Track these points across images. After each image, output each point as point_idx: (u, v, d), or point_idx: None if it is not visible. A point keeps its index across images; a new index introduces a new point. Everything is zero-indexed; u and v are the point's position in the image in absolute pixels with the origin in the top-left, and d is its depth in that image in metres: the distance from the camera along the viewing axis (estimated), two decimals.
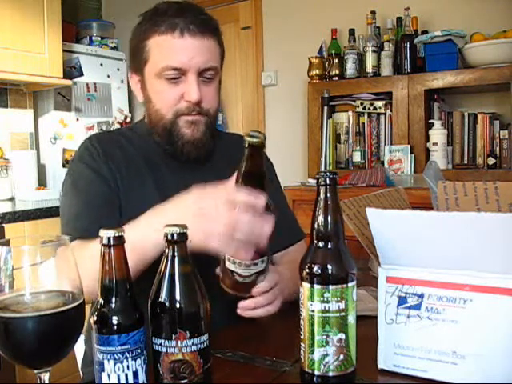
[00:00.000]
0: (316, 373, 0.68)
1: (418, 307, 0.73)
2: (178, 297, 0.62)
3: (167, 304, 0.62)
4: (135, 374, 0.62)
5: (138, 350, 0.62)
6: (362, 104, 2.77)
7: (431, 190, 1.00)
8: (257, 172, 0.79)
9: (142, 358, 0.63)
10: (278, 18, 3.23)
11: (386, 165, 2.62)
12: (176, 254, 0.63)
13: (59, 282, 0.62)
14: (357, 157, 2.78)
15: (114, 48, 3.30)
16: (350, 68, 2.75)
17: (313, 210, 0.69)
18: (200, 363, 0.63)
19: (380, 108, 2.73)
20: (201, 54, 1.06)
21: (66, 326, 0.60)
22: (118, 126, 3.18)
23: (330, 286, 0.66)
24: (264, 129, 3.33)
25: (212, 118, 1.13)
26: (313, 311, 0.67)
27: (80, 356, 1.16)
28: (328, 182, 0.68)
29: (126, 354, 0.61)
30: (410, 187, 2.12)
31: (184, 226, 0.63)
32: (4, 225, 2.08)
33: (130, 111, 3.36)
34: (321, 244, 0.69)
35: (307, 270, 0.68)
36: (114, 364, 0.61)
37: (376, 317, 0.76)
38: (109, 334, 0.60)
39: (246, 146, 0.77)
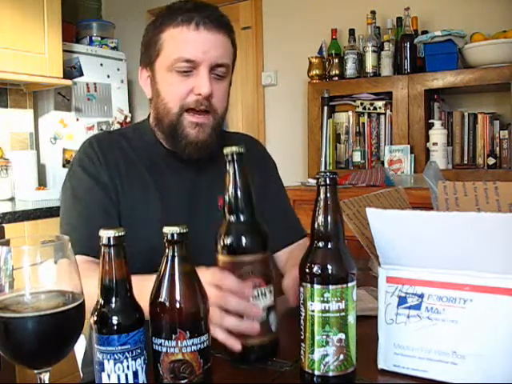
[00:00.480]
0: (316, 373, 0.68)
1: (418, 307, 0.73)
2: (178, 297, 0.62)
3: (167, 304, 0.62)
4: (135, 373, 0.62)
5: (138, 350, 0.62)
6: (361, 104, 2.77)
7: (431, 190, 1.01)
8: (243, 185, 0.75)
9: (142, 358, 0.62)
10: (278, 17, 3.23)
11: (386, 165, 2.62)
12: (176, 254, 0.63)
13: (59, 282, 0.62)
14: (357, 157, 2.78)
15: (114, 48, 3.30)
16: (350, 68, 2.75)
17: (313, 209, 0.69)
18: (200, 363, 0.63)
19: (380, 108, 2.73)
20: (215, 48, 1.05)
21: (66, 326, 0.60)
22: (118, 126, 3.18)
23: (330, 286, 0.66)
24: (264, 129, 3.33)
25: (219, 120, 1.11)
26: (313, 311, 0.67)
27: (80, 356, 1.16)
28: (328, 182, 0.68)
29: (126, 353, 0.61)
30: (410, 187, 2.12)
31: (184, 226, 0.63)
32: (4, 225, 2.08)
33: (130, 111, 3.36)
34: (321, 244, 0.69)
35: (307, 270, 0.68)
36: (114, 364, 0.61)
37: (376, 317, 0.76)
38: (109, 333, 0.60)
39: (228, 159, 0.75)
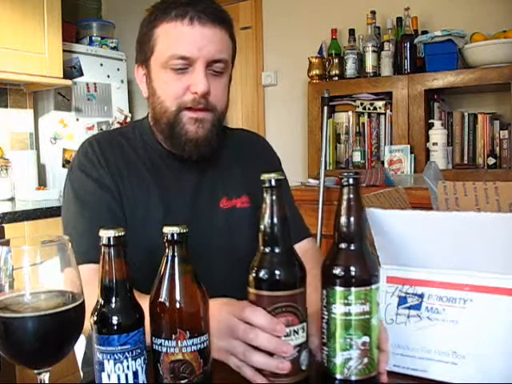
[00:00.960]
0: (338, 377, 0.67)
1: (418, 307, 0.73)
2: (177, 297, 0.62)
3: (167, 304, 0.62)
4: (135, 373, 0.62)
5: (138, 350, 0.62)
6: (361, 104, 2.77)
7: (431, 190, 1.00)
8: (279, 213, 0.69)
9: (142, 358, 0.62)
10: (278, 18, 3.23)
11: (385, 165, 2.62)
12: (176, 254, 0.63)
13: (59, 282, 0.62)
14: (357, 157, 2.78)
15: (114, 48, 3.29)
16: (350, 68, 2.75)
17: (336, 210, 0.69)
18: (200, 363, 0.63)
19: (380, 108, 2.73)
20: (211, 44, 1.00)
21: (66, 326, 0.60)
22: (118, 126, 3.18)
23: (354, 288, 0.65)
24: (264, 129, 3.33)
25: (220, 116, 1.06)
26: (335, 314, 0.66)
27: (80, 356, 1.15)
28: (351, 182, 0.67)
29: (126, 353, 0.61)
30: (409, 187, 2.12)
31: (184, 226, 0.63)
32: (4, 225, 2.08)
33: (130, 111, 3.36)
34: (344, 245, 0.68)
35: (330, 272, 0.67)
36: (114, 364, 0.61)
37: None
38: (109, 333, 0.60)
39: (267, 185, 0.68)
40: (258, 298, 0.67)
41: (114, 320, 0.61)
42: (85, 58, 3.03)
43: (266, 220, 0.67)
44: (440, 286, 0.72)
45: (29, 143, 2.92)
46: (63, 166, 2.94)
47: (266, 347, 0.66)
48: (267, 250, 0.68)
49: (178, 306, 0.62)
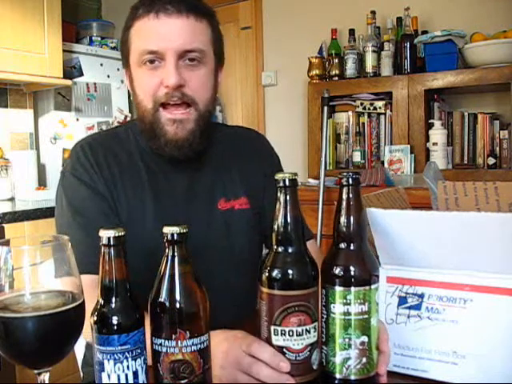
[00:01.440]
0: (337, 376, 0.67)
1: (418, 307, 0.73)
2: (178, 297, 0.62)
3: (167, 304, 0.62)
4: (135, 373, 0.62)
5: (138, 350, 0.62)
6: (362, 104, 2.77)
7: (431, 190, 1.00)
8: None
9: (142, 358, 0.62)
10: (278, 18, 3.23)
11: (385, 165, 2.62)
12: (176, 254, 0.63)
13: (59, 281, 0.62)
14: (357, 157, 2.78)
15: (114, 48, 3.29)
16: (350, 68, 2.75)
17: (335, 210, 0.69)
18: (200, 363, 0.63)
19: (380, 108, 2.73)
20: (180, 34, 0.97)
21: (66, 326, 0.60)
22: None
23: (353, 288, 0.66)
24: (264, 129, 3.33)
25: (202, 111, 1.02)
26: (335, 313, 0.66)
27: (80, 356, 1.15)
28: (351, 182, 0.67)
29: (126, 353, 0.61)
30: (409, 187, 2.12)
31: (184, 226, 0.63)
32: (4, 225, 2.08)
33: (130, 111, 3.36)
34: (343, 245, 0.68)
35: (329, 272, 0.67)
36: (114, 364, 0.61)
37: None
38: (109, 333, 0.60)
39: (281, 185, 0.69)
40: (270, 298, 0.67)
41: (114, 320, 0.61)
42: (85, 58, 3.03)
43: (280, 219, 0.67)
44: (440, 286, 0.72)
45: (29, 143, 2.92)
46: (63, 165, 2.93)
47: (268, 382, 0.66)
48: (280, 249, 0.68)
49: (177, 306, 0.62)
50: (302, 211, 0.69)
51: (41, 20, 2.58)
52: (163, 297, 0.63)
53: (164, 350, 0.62)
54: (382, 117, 2.75)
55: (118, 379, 0.61)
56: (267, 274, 0.67)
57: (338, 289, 0.66)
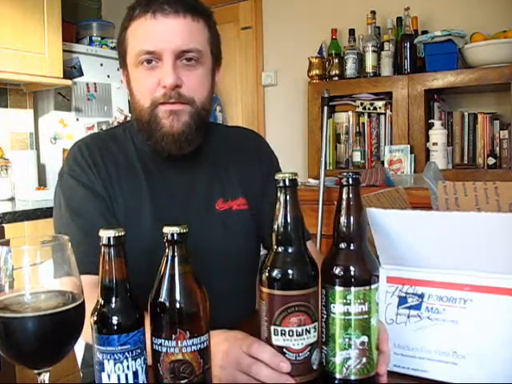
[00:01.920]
0: (338, 376, 0.67)
1: (418, 307, 0.73)
2: (178, 297, 0.62)
3: (167, 304, 0.62)
4: (135, 373, 0.62)
5: (138, 350, 0.62)
6: (362, 104, 2.77)
7: (431, 191, 1.00)
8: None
9: (142, 358, 0.62)
10: (278, 17, 3.23)
11: (385, 165, 2.62)
12: (176, 253, 0.63)
13: (59, 281, 0.62)
14: (357, 157, 2.78)
15: (114, 48, 3.29)
16: (350, 68, 2.75)
17: (335, 210, 0.69)
18: (200, 363, 0.63)
19: (380, 108, 2.73)
20: (177, 35, 0.98)
21: (66, 326, 0.60)
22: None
23: (353, 288, 0.66)
24: (264, 129, 3.33)
25: (199, 109, 1.02)
26: (335, 313, 0.66)
27: (80, 356, 1.15)
28: (351, 182, 0.67)
29: (126, 353, 0.61)
30: (409, 187, 2.12)
31: (184, 226, 0.63)
32: (4, 225, 2.08)
33: (130, 111, 3.36)
34: (343, 245, 0.68)
35: (329, 272, 0.67)
36: (114, 364, 0.61)
37: None
38: (109, 333, 0.60)
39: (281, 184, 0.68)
40: (270, 298, 0.67)
41: (114, 320, 0.61)
42: (85, 58, 3.03)
43: (280, 219, 0.67)
44: (440, 286, 0.72)
45: (29, 143, 2.92)
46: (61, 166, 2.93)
47: (267, 382, 0.67)
48: (280, 249, 0.68)
49: (177, 306, 0.62)
50: (302, 211, 0.69)
51: (41, 19, 2.58)
52: (163, 297, 0.63)
53: (164, 350, 0.62)
54: (382, 117, 2.75)
55: (118, 379, 0.61)
56: (267, 274, 0.67)
57: (338, 289, 0.66)
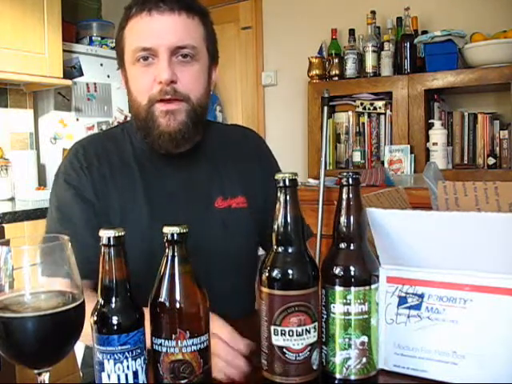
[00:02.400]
0: (338, 376, 0.67)
1: (418, 307, 0.73)
2: (178, 297, 0.62)
3: (167, 304, 0.62)
4: (135, 373, 0.62)
5: (138, 350, 0.62)
6: (362, 104, 2.77)
7: (431, 191, 1.00)
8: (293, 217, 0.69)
9: (142, 358, 0.62)
10: (278, 17, 3.23)
11: (386, 165, 2.62)
12: (176, 254, 0.63)
13: (59, 281, 0.62)
14: (357, 157, 2.78)
15: (114, 48, 3.29)
16: (350, 68, 2.75)
17: (335, 210, 0.69)
18: (200, 363, 0.63)
19: (380, 108, 2.73)
20: (172, 31, 0.99)
21: (66, 326, 0.60)
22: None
23: (353, 288, 0.66)
24: (264, 129, 3.33)
25: (195, 106, 1.03)
26: (335, 313, 0.67)
27: (80, 356, 1.15)
28: (351, 182, 0.67)
29: (126, 353, 0.61)
30: (409, 187, 2.12)
31: (184, 226, 0.63)
32: (4, 225, 2.08)
33: (130, 111, 3.36)
34: (343, 245, 0.68)
35: (329, 272, 0.67)
36: (114, 364, 0.61)
37: None
38: (109, 333, 0.60)
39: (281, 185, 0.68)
40: (270, 298, 0.67)
41: (114, 320, 0.61)
42: (85, 58, 3.03)
43: (280, 219, 0.67)
44: (440, 286, 0.72)
45: (29, 143, 2.92)
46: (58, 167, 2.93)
47: (222, 358, 0.74)
48: (280, 249, 0.68)
49: (177, 306, 0.62)
50: (302, 211, 0.69)
51: (41, 19, 2.58)
52: (163, 297, 0.63)
53: (164, 350, 0.62)
54: (382, 117, 2.75)
55: (118, 379, 0.61)
56: (267, 274, 0.67)
57: (338, 289, 0.66)
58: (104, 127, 3.13)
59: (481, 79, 2.36)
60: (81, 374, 1.16)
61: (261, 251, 1.21)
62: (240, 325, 0.96)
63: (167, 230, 0.63)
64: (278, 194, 0.68)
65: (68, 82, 2.75)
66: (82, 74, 3.02)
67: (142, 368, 0.63)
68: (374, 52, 2.68)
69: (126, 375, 0.61)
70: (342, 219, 0.68)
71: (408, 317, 0.74)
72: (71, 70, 2.94)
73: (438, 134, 2.50)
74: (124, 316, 0.61)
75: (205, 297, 0.65)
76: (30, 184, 2.67)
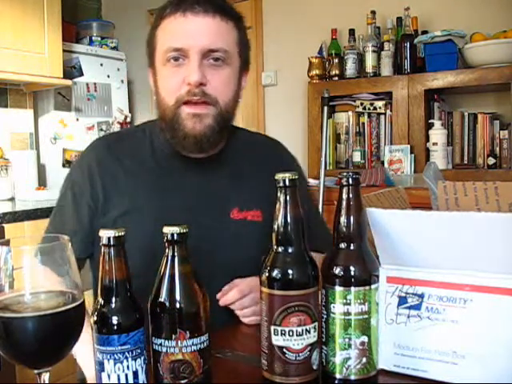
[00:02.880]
0: (338, 376, 0.67)
1: (418, 307, 0.73)
2: (178, 297, 0.62)
3: (167, 304, 0.62)
4: (135, 373, 0.62)
5: (138, 350, 0.62)
6: (362, 104, 2.77)
7: (431, 191, 1.00)
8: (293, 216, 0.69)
9: (142, 358, 0.62)
10: (278, 17, 3.23)
11: (386, 165, 2.62)
12: (176, 253, 0.63)
13: (59, 281, 0.62)
14: (357, 157, 2.78)
15: (114, 48, 3.29)
16: (350, 68, 2.75)
17: (335, 210, 0.69)
18: (200, 363, 0.63)
19: (380, 108, 2.73)
20: (205, 33, 0.98)
21: (66, 326, 0.60)
22: (118, 126, 3.18)
23: (353, 288, 0.66)
24: (264, 129, 3.33)
25: (223, 111, 1.02)
26: (334, 313, 0.66)
27: None
28: (351, 182, 0.67)
29: (126, 353, 0.61)
30: (410, 187, 2.12)
31: (184, 226, 0.63)
32: (4, 225, 2.08)
33: (130, 111, 3.36)
34: (343, 245, 0.68)
35: (329, 272, 0.67)
36: (114, 364, 0.61)
37: None
38: (109, 333, 0.60)
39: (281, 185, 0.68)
40: (270, 298, 0.67)
41: (114, 320, 0.61)
42: (85, 58, 3.03)
43: (280, 219, 0.67)
44: (440, 286, 0.72)
45: (29, 143, 2.92)
46: (63, 165, 2.94)
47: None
48: (280, 249, 0.68)
49: (177, 306, 0.62)
50: (301, 211, 0.68)
51: (41, 19, 2.58)
52: (163, 297, 0.63)
53: (164, 350, 0.62)
54: (382, 117, 2.75)
55: (118, 379, 0.61)
56: (267, 274, 0.67)
57: (338, 289, 0.66)
58: (104, 127, 3.13)
59: (481, 79, 2.36)
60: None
61: None
62: (240, 327, 0.96)
63: (167, 230, 0.63)
64: (278, 194, 0.68)
65: (68, 82, 2.75)
66: (82, 74, 3.02)
67: (142, 368, 0.63)
68: (374, 52, 2.68)
69: (126, 375, 0.61)
70: (342, 219, 0.68)
71: (408, 317, 0.74)
72: (71, 70, 2.94)
73: (438, 134, 2.50)
74: (124, 316, 0.61)
75: (205, 297, 0.65)
76: (30, 184, 2.67)
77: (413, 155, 2.57)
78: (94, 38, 3.21)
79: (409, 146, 2.57)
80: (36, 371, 0.61)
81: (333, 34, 2.86)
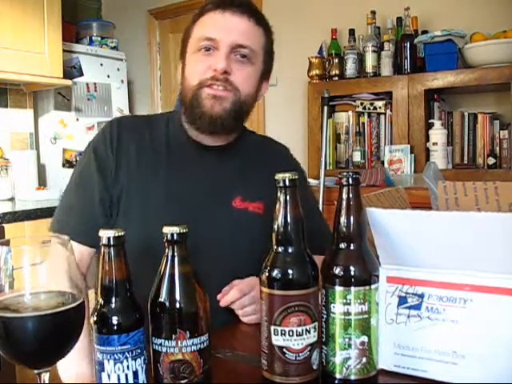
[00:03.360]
0: (338, 376, 0.67)
1: (418, 307, 0.73)
2: (177, 297, 0.62)
3: (167, 304, 0.62)
4: (135, 373, 0.62)
5: (138, 350, 0.62)
6: (362, 104, 2.77)
7: (431, 191, 1.00)
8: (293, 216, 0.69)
9: (142, 358, 0.63)
10: (278, 17, 3.22)
11: (386, 165, 2.62)
12: (176, 253, 0.63)
13: (59, 281, 0.62)
14: (357, 157, 2.78)
15: (114, 48, 3.29)
16: (350, 68, 2.75)
17: (335, 210, 0.69)
18: (200, 363, 0.63)
19: (380, 108, 2.73)
20: (237, 29, 1.06)
21: (66, 326, 0.60)
22: None
23: (353, 288, 0.66)
24: (264, 129, 3.33)
25: (242, 100, 1.08)
26: (334, 313, 0.66)
27: None
28: (351, 182, 0.67)
29: (126, 353, 0.61)
30: (409, 187, 2.12)
31: (184, 226, 0.63)
32: (4, 225, 2.08)
33: (130, 111, 3.36)
34: (343, 245, 0.68)
35: (329, 272, 0.67)
36: (114, 364, 0.61)
37: None
38: (109, 333, 0.60)
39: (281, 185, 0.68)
40: (270, 298, 0.67)
41: (114, 320, 0.61)
42: (85, 58, 3.03)
43: (280, 219, 0.67)
44: (440, 286, 0.72)
45: (29, 143, 2.92)
46: (63, 165, 2.94)
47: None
48: (280, 249, 0.68)
49: (177, 305, 0.62)
50: (301, 211, 0.68)
51: (41, 19, 2.58)
52: (163, 297, 0.63)
53: (164, 350, 0.62)
54: (382, 117, 2.75)
55: (118, 379, 0.61)
56: (267, 274, 0.67)
57: (338, 289, 0.66)
58: None
59: (481, 79, 2.36)
60: None
61: None
62: (240, 327, 0.96)
63: (167, 230, 0.63)
64: (278, 194, 0.68)
65: (68, 82, 2.75)
66: (81, 74, 3.02)
67: (142, 368, 0.63)
68: (374, 52, 2.68)
69: (126, 375, 0.61)
70: (342, 219, 0.68)
71: (408, 317, 0.74)
72: (71, 70, 2.94)
73: (438, 134, 2.50)
74: (124, 316, 0.61)
75: (205, 297, 0.65)
76: (30, 184, 2.67)
77: (413, 155, 2.57)
78: (93, 37, 3.21)
79: (409, 145, 2.57)
80: (36, 371, 0.61)
81: (333, 33, 2.86)
